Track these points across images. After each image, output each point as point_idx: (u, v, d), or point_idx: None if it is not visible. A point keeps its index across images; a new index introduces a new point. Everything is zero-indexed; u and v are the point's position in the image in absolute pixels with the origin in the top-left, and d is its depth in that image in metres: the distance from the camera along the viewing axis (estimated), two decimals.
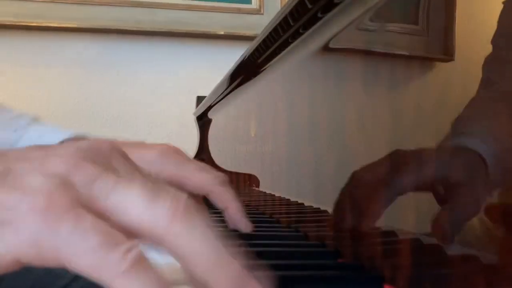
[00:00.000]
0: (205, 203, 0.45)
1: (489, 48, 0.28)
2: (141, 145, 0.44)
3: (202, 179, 0.42)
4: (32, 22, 1.49)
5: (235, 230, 0.44)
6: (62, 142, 0.64)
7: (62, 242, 0.19)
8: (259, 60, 0.75)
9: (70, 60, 1.57)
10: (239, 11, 1.60)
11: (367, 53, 0.44)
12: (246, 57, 0.77)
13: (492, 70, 0.28)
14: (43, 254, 0.19)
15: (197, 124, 1.45)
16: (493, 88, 0.28)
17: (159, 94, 1.62)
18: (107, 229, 0.19)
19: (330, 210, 0.49)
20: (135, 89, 1.60)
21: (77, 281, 0.76)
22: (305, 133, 0.59)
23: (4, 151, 0.24)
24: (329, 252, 0.45)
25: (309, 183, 0.57)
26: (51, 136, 0.66)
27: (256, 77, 0.82)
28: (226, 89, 0.99)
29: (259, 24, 1.57)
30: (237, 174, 0.99)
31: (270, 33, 0.64)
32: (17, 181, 0.20)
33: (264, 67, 0.76)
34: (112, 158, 0.23)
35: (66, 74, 1.56)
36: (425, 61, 0.35)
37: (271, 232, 0.57)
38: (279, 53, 0.67)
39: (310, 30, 0.56)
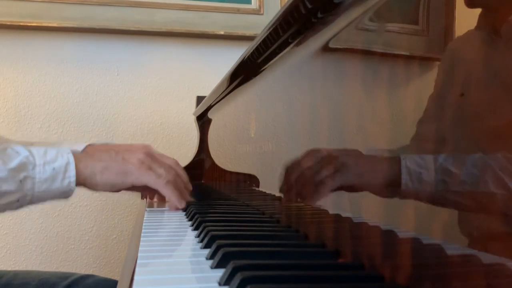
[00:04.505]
0: None
1: None
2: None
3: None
4: (32, 22, 1.48)
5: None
6: (85, 147, 0.82)
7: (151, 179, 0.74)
8: (259, 60, 0.75)
9: (70, 60, 1.56)
10: (239, 11, 1.60)
11: (367, 53, 0.44)
12: (246, 57, 0.77)
13: None
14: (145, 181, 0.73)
15: (197, 124, 1.45)
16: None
17: (159, 94, 1.62)
18: (161, 179, 0.74)
19: (330, 210, 0.49)
20: (135, 89, 1.60)
21: None
22: (305, 133, 0.59)
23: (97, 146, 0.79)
24: (329, 252, 0.45)
25: None
26: (77, 146, 0.82)
27: (256, 77, 0.81)
28: (226, 89, 0.99)
29: (259, 24, 1.57)
30: (237, 174, 0.98)
31: (270, 33, 0.64)
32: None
33: (264, 67, 0.76)
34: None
35: (66, 74, 1.56)
36: (425, 61, 0.35)
37: (271, 232, 0.57)
38: (279, 53, 0.67)
39: (310, 30, 0.56)
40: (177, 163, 0.81)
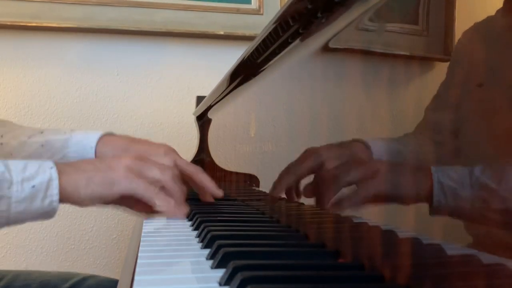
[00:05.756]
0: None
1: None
2: (148, 142, 0.80)
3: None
4: (32, 22, 1.48)
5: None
6: (101, 137, 0.78)
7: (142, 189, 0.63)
8: (259, 60, 0.75)
9: (70, 60, 1.56)
10: (239, 11, 1.60)
11: (367, 53, 0.44)
12: (246, 57, 0.77)
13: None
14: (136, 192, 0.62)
15: (197, 124, 1.45)
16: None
17: (158, 94, 1.62)
18: (152, 187, 0.63)
19: (330, 210, 0.49)
20: (135, 89, 1.60)
21: None
22: (305, 133, 0.59)
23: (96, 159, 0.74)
24: (329, 252, 0.45)
25: None
26: (91, 135, 0.79)
27: (256, 77, 0.82)
28: (226, 89, 0.99)
29: (258, 24, 1.57)
30: (237, 174, 0.98)
31: (270, 33, 0.64)
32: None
33: (264, 67, 0.76)
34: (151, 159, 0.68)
35: (66, 74, 1.56)
36: (425, 61, 0.35)
37: (271, 232, 0.57)
38: (279, 53, 0.67)
39: (310, 30, 0.56)
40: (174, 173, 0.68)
